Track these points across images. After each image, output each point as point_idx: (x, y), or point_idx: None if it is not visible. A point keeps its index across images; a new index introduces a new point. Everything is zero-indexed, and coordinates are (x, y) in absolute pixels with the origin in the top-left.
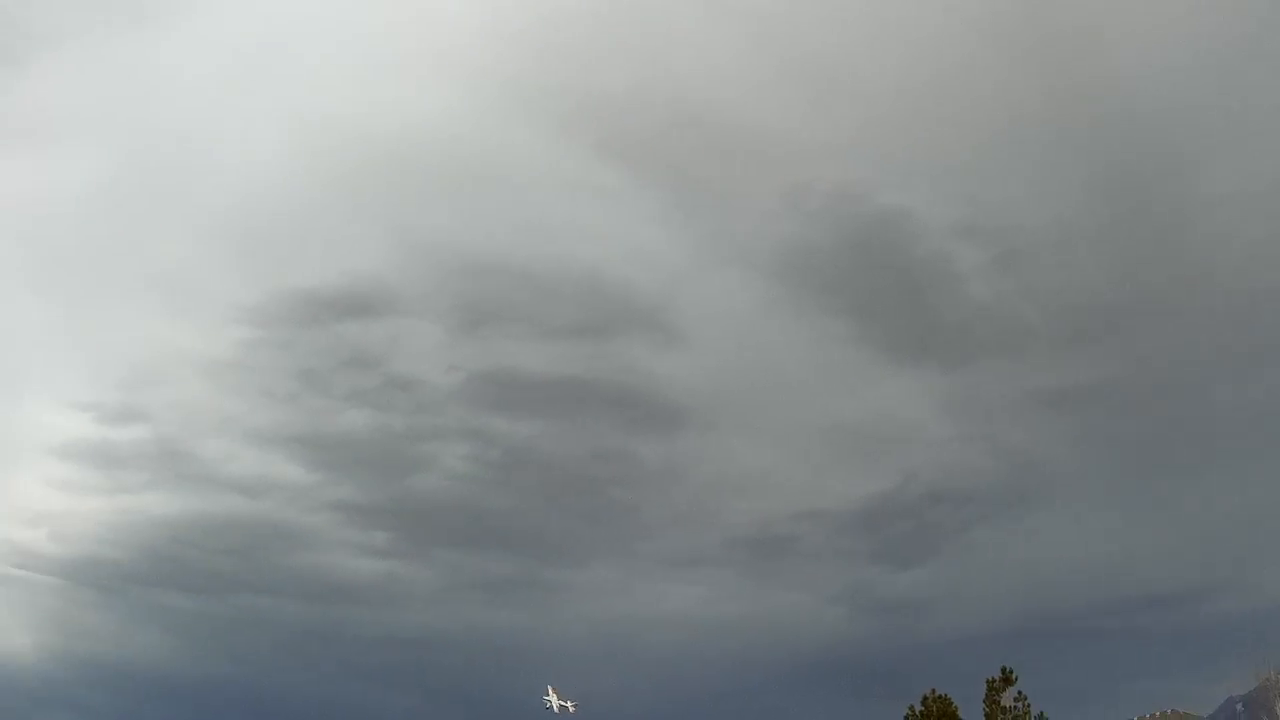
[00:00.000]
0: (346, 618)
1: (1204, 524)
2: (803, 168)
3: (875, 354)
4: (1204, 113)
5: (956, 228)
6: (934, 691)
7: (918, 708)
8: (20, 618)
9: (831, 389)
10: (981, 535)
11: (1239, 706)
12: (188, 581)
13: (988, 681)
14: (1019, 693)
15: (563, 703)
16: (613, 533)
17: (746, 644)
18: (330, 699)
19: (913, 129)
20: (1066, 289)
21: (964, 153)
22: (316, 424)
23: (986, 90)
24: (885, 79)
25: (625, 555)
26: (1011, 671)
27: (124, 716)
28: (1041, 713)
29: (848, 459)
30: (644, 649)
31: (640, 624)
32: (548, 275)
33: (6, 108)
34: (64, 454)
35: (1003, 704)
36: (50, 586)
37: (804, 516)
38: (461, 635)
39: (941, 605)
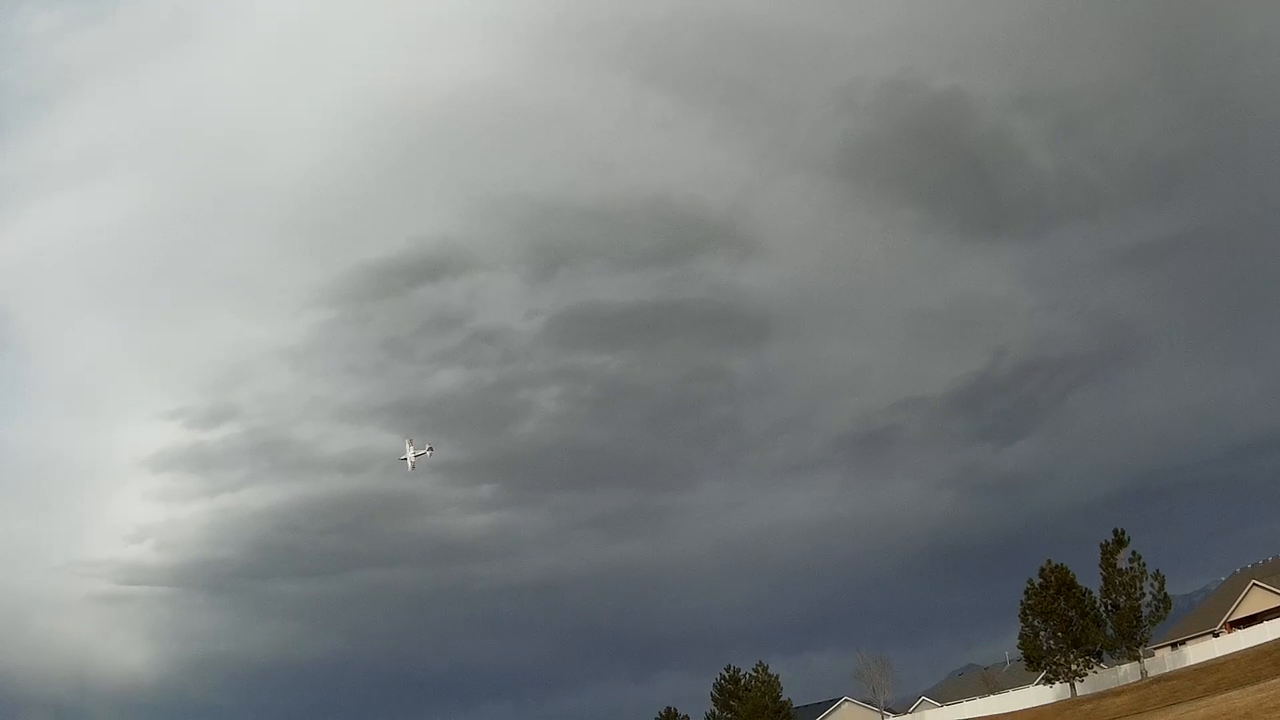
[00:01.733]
0: (465, 575)
1: None
2: (852, 64)
3: (950, 236)
4: None
5: (1011, 101)
6: (1050, 563)
7: (1036, 581)
8: (137, 632)
9: (912, 277)
10: (1078, 401)
11: None
12: (300, 567)
13: (1101, 546)
14: (1133, 553)
15: (419, 452)
16: (717, 450)
17: (862, 539)
18: (459, 657)
19: (955, 11)
20: (1129, 146)
21: (1009, 27)
22: (407, 390)
23: None
24: None
25: (733, 470)
26: (1124, 533)
27: (253, 710)
28: (1157, 570)
29: (938, 344)
30: (764, 558)
31: (757, 535)
32: (616, 208)
33: (49, 147)
34: (159, 465)
35: (1118, 566)
36: (163, 596)
37: (902, 406)
38: (583, 574)
39: (1048, 475)
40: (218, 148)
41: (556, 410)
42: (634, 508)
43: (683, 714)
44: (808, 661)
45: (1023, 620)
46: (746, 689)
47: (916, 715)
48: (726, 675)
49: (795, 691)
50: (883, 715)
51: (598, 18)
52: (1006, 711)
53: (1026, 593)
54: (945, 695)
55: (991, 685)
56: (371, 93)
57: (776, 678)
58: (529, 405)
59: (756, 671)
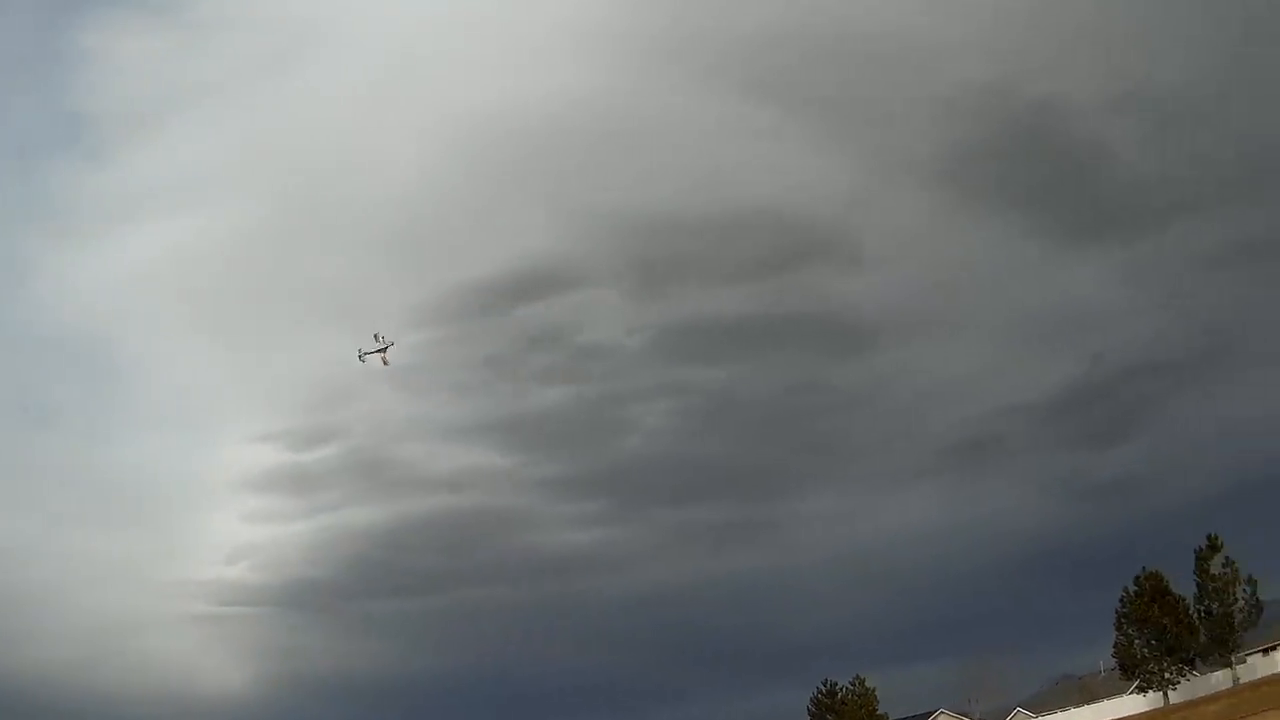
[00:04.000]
0: (569, 591)
1: None
2: (950, 71)
3: (1051, 241)
4: None
5: (1110, 104)
6: (1145, 570)
7: (1132, 589)
8: (234, 653)
9: (1013, 283)
10: (1180, 404)
11: None
12: (400, 585)
13: (1195, 552)
14: (1226, 559)
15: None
16: (823, 462)
17: (964, 548)
18: (561, 673)
19: (1055, 16)
20: (1226, 148)
21: (1109, 29)
22: (511, 408)
23: None
24: None
25: (838, 482)
26: (1218, 539)
27: None
28: (1250, 575)
29: (1040, 349)
30: (868, 569)
31: (861, 546)
32: (718, 221)
33: (150, 171)
34: (258, 487)
35: (1212, 572)
36: (261, 617)
37: (1005, 413)
38: (689, 587)
39: (1149, 480)
40: (319, 170)
41: (662, 425)
42: (739, 521)
43: None
44: (908, 672)
45: (1117, 629)
46: (843, 703)
47: None
48: (824, 689)
49: (892, 703)
50: None
51: (697, 30)
52: None
53: (1122, 600)
54: (1041, 705)
55: (1087, 694)
56: (472, 111)
57: (873, 691)
58: (634, 421)
59: (854, 684)
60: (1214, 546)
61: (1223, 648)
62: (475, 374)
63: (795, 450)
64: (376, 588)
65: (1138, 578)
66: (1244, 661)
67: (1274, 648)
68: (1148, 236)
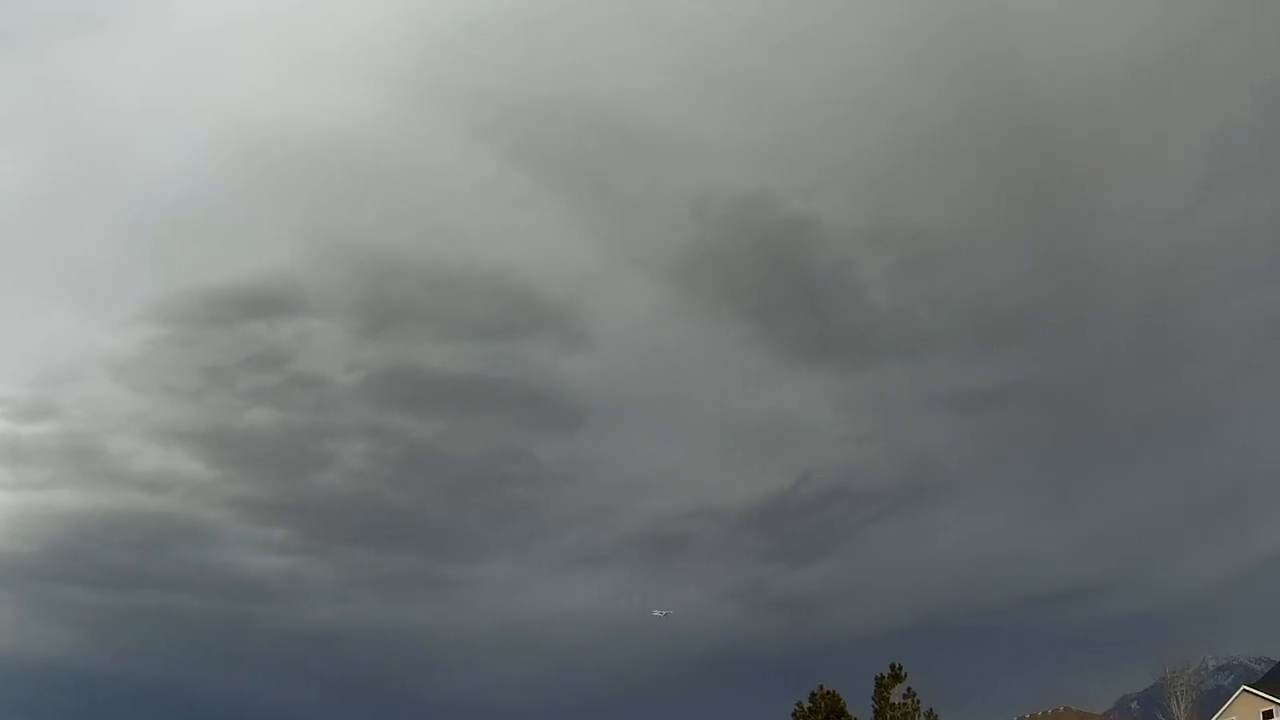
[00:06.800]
0: (246, 613)
1: (1099, 523)
2: (711, 175)
3: (776, 356)
4: (1108, 136)
5: (860, 235)
6: (822, 688)
7: (806, 704)
8: None
9: (731, 390)
10: (877, 533)
11: (1134, 704)
12: (90, 576)
13: (877, 679)
14: (909, 689)
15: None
16: (513, 531)
17: (643, 640)
18: (229, 693)
19: (824, 140)
20: (966, 295)
21: (871, 164)
22: (219, 421)
23: (897, 104)
24: (799, 91)
25: (525, 553)
26: (901, 668)
27: (23, 709)
28: (931, 709)
29: (746, 458)
30: (543, 644)
31: (539, 620)
32: (455, 276)
33: None
34: None
35: (892, 701)
36: None
37: (701, 514)
38: (364, 630)
39: (836, 602)
40: (93, 144)
41: (360, 466)
42: (421, 573)
43: None
44: None
45: None
46: None
47: None
48: None
49: None
50: None
51: (475, 87)
52: None
53: (794, 715)
54: None
55: None
56: (243, 116)
57: None
58: (334, 457)
59: None
60: (896, 675)
61: None
62: (192, 380)
63: (486, 514)
64: (68, 574)
65: (813, 694)
66: None
67: None
68: (872, 369)
